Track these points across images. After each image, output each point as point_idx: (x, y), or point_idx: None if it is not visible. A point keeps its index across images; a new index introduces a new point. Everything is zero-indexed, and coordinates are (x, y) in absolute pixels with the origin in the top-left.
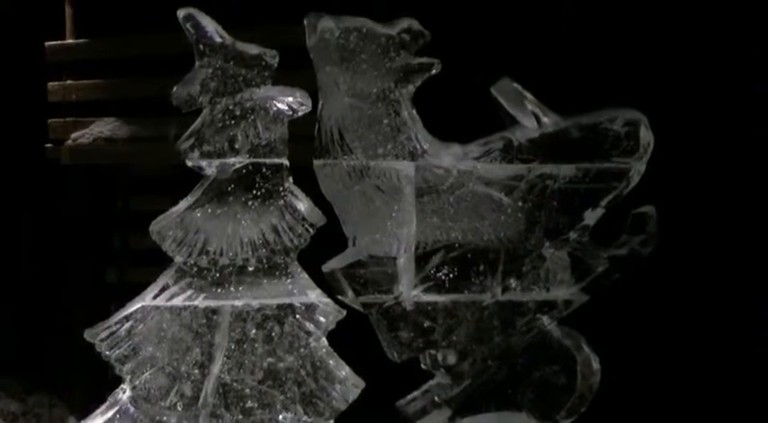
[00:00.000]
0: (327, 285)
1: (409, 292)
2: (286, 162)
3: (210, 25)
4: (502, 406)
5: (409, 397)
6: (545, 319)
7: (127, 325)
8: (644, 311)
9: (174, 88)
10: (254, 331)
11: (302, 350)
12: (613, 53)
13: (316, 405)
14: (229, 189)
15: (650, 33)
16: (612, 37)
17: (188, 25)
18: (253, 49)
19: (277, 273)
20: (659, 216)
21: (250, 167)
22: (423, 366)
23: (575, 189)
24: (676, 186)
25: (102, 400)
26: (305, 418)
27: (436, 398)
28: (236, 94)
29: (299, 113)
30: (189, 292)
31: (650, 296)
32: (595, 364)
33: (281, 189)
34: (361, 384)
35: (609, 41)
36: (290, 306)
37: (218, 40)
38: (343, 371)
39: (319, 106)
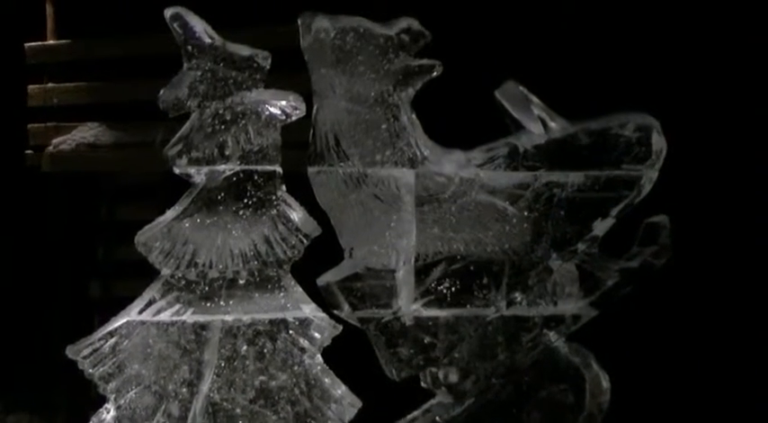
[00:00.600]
0: (322, 299)
1: (409, 306)
2: (279, 169)
3: (199, 25)
4: None
5: (409, 417)
6: (552, 335)
7: (111, 341)
8: (656, 327)
9: (161, 91)
10: (245, 348)
11: (296, 368)
12: (624, 54)
13: None
14: (219, 198)
15: (662, 33)
16: (623, 36)
17: (175, 25)
18: (244, 51)
19: (269, 286)
20: (672, 226)
21: (241, 175)
22: (423, 385)
23: (583, 198)
24: (690, 195)
25: (86, 421)
26: None
27: (437, 418)
28: (226, 98)
29: (293, 118)
30: (177, 307)
31: (663, 311)
32: (605, 383)
33: (274, 198)
34: (358, 404)
35: (619, 41)
36: (284, 321)
37: (208, 40)
38: (340, 390)
39: (314, 110)
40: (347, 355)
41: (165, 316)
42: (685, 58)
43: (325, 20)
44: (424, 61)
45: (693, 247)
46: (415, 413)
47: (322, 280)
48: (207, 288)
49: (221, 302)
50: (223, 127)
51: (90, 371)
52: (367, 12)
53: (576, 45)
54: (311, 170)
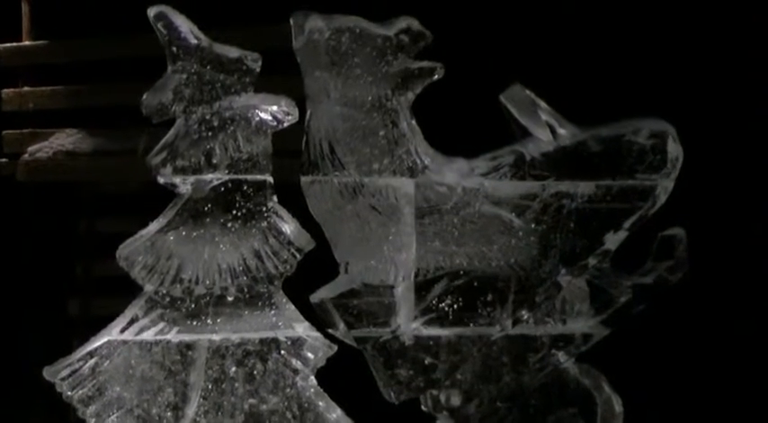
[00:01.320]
0: (316, 317)
1: (408, 324)
2: (270, 179)
3: (185, 25)
4: None
5: None
6: (561, 356)
7: (91, 362)
8: (672, 347)
9: (144, 96)
10: (233, 369)
11: (288, 390)
12: (637, 55)
13: None
14: (206, 209)
15: (678, 32)
16: (637, 36)
17: (159, 25)
18: (232, 52)
19: (260, 303)
20: (689, 239)
21: (229, 185)
22: (423, 408)
23: (594, 209)
24: (709, 206)
25: None
26: None
27: None
28: (213, 103)
29: (285, 124)
30: (160, 325)
31: (679, 330)
32: (617, 407)
33: (265, 209)
34: None
35: (633, 41)
36: (275, 341)
37: (194, 41)
38: (335, 413)
39: (307, 116)
40: (343, 376)
41: (148, 335)
42: (703, 60)
43: (319, 19)
44: (425, 63)
45: (711, 261)
46: None
47: (316, 297)
48: (193, 305)
49: (208, 321)
50: (210, 134)
51: (69, 393)
52: (364, 11)
53: (587, 45)
54: (304, 180)
